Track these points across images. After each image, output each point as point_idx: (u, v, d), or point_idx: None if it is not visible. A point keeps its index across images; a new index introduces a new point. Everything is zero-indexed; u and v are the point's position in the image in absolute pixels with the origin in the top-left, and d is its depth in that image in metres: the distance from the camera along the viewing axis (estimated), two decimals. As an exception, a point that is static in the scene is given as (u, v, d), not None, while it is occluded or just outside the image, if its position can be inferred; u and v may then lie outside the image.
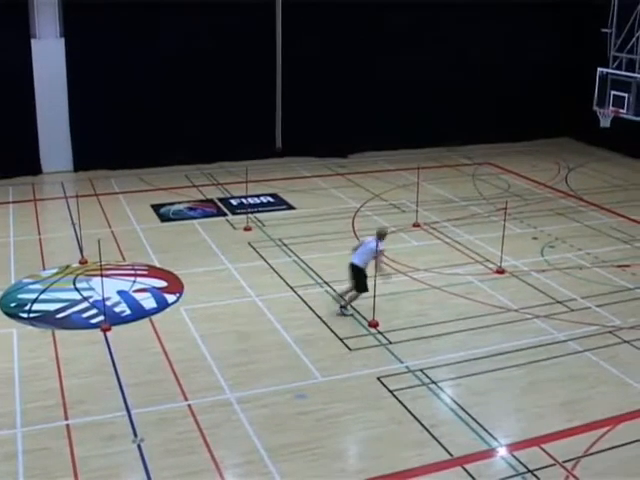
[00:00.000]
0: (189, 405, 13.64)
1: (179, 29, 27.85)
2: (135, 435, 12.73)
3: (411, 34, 30.84)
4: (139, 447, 12.43)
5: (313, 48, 29.37)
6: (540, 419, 13.54)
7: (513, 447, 12.75)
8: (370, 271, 16.97)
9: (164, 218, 23.47)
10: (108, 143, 27.59)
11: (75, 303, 17.50)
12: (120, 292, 18.06)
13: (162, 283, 18.71)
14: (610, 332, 16.74)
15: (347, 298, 17.31)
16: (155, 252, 20.63)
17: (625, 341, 16.36)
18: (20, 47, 26.58)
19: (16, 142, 26.79)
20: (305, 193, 26.14)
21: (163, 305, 17.56)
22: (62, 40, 27.04)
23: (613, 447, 12.75)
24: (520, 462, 12.30)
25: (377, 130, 31.16)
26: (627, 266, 20.43)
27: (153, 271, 19.45)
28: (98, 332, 16.18)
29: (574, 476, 11.97)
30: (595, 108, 28.15)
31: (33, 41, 26.79)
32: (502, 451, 12.68)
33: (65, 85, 27.33)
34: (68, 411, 13.38)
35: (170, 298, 17.91)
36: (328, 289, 18.51)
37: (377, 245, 16.67)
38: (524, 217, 24.03)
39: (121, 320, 16.75)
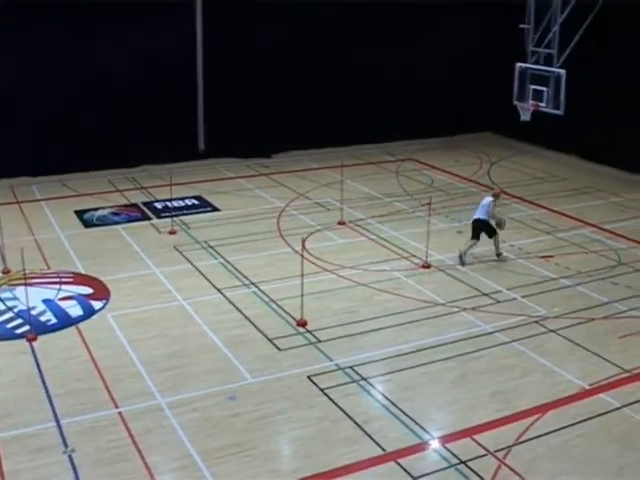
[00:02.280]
0: (119, 412, 13.49)
1: (97, 31, 27.46)
2: (65, 445, 12.55)
3: (333, 32, 30.90)
4: (70, 457, 12.25)
5: (234, 48, 29.24)
6: (471, 410, 13.70)
7: (445, 439, 12.87)
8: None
9: (88, 224, 23.17)
10: (28, 149, 27.08)
11: (-1, 314, 17.22)
12: (45, 301, 17.78)
13: (88, 290, 18.47)
14: (536, 322, 17.00)
15: (465, 250, 20.38)
16: (80, 259, 20.36)
17: (551, 330, 16.64)
18: None
19: None
20: (230, 194, 26.04)
21: (90, 312, 17.34)
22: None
23: (543, 435, 12.98)
24: (453, 454, 12.43)
25: (300, 129, 31.14)
26: (550, 256, 20.77)
27: (78, 278, 19.19)
28: (24, 342, 15.89)
29: (506, 465, 12.13)
30: (515, 102, 28.57)
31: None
32: (434, 444, 12.79)
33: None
34: (-5, 424, 13.17)
35: (97, 305, 17.69)
36: (255, 290, 18.46)
37: (493, 202, 20.33)
38: (448, 212, 24.27)
39: (47, 329, 16.49)
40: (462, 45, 33.39)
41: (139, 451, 12.42)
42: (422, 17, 32.19)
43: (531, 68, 28.09)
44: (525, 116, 28.49)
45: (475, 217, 20.51)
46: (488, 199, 20.55)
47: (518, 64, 28.37)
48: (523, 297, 18.24)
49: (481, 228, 20.42)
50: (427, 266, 19.92)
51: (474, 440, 12.79)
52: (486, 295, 18.36)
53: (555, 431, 13.09)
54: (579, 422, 13.37)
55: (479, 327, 16.75)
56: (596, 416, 13.57)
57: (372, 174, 28.82)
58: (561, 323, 16.97)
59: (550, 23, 27.90)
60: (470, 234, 20.59)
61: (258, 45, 29.59)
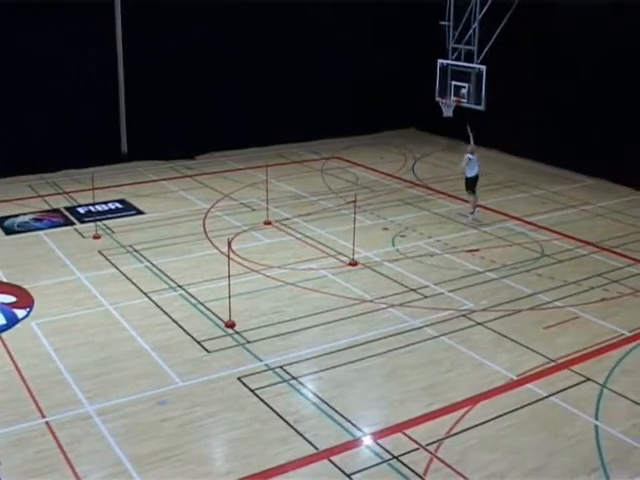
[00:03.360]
0: (47, 422, 13.24)
1: (18, 31, 26.95)
2: (-9, 458, 12.31)
3: (260, 32, 30.85)
4: (-4, 470, 12.02)
5: (155, 49, 28.97)
6: (402, 405, 13.76)
7: (377, 435, 12.90)
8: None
9: (9, 231, 22.72)
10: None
11: None
12: (-34, 310, 17.43)
13: (10, 298, 18.11)
14: (464, 315, 17.16)
15: (472, 205, 23.67)
16: (1, 267, 19.94)
17: (478, 323, 16.80)
18: None
19: None
20: (154, 197, 25.79)
21: (13, 321, 16.99)
22: None
23: (473, 426, 13.09)
24: (385, 449, 12.46)
25: (224, 130, 31.06)
26: (476, 250, 20.98)
27: (0, 286, 18.82)
28: (-55, 354, 15.57)
29: (437, 458, 12.21)
30: (437, 99, 28.81)
31: None
32: (367, 440, 12.81)
33: None
34: None
35: (20, 313, 17.35)
36: (182, 292, 18.31)
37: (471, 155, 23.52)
38: (374, 209, 24.36)
39: (-31, 339, 16.16)
40: (385, 43, 33.58)
41: (68, 461, 12.19)
42: (344, 15, 32.32)
43: (452, 64, 28.35)
44: (447, 112, 28.76)
45: (468, 175, 23.49)
46: (472, 156, 23.44)
47: (439, 61, 28.61)
48: (450, 291, 18.39)
49: (474, 182, 23.48)
50: (354, 263, 19.95)
51: (406, 435, 12.85)
52: (413, 290, 18.46)
53: (485, 422, 13.22)
54: (508, 412, 13.53)
55: (407, 322, 16.83)
56: (524, 406, 13.75)
57: (297, 173, 28.80)
58: (488, 316, 17.15)
59: (470, 20, 28.20)
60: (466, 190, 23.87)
61: (179, 46, 29.38)
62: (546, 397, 14.04)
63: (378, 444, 12.65)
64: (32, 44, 27.19)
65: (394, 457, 12.26)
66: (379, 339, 16.10)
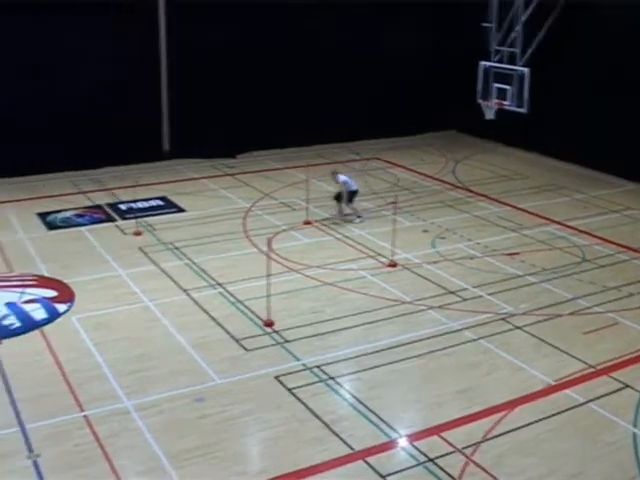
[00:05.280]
0: (85, 416, 13.36)
1: (64, 31, 27.20)
2: (30, 451, 12.40)
3: (300, 33, 30.90)
4: (35, 463, 12.11)
5: (199, 48, 29.12)
6: (439, 408, 13.71)
7: (413, 437, 12.86)
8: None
9: (51, 226, 22.97)
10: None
11: (-39, 318, 17.02)
12: (8, 304, 17.58)
13: (52, 293, 18.30)
14: (503, 319, 17.06)
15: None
16: (44, 261, 20.16)
17: (517, 327, 16.71)
18: None
19: None
20: (194, 195, 25.92)
21: (54, 315, 17.17)
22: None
23: (510, 430, 13.01)
24: (421, 452, 12.42)
25: (265, 129, 31.10)
26: (516, 254, 20.85)
27: (42, 281, 19.01)
28: (-13, 347, 15.76)
29: (473, 461, 12.15)
30: (479, 101, 28.71)
31: None
32: (402, 442, 12.78)
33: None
34: (-42, 429, 13.00)
35: (61, 308, 17.52)
36: (222, 290, 18.38)
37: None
38: (414, 210, 24.31)
39: (10, 333, 16.30)
40: (428, 43, 33.47)
41: (105, 455, 12.29)
42: (387, 15, 32.27)
43: (495, 67, 28.23)
44: (489, 114, 28.65)
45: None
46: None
47: (482, 63, 28.49)
48: (489, 294, 18.30)
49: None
50: (393, 265, 19.92)
51: (442, 437, 12.80)
52: (452, 293, 18.39)
53: (522, 427, 13.13)
54: (546, 418, 13.42)
55: (446, 325, 16.78)
56: (562, 411, 13.64)
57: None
58: (527, 320, 17.05)
59: (513, 22, 28.07)
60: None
61: (222, 46, 29.50)
62: (584, 403, 13.92)
63: (414, 446, 12.62)
64: (80, 42, 27.47)
65: (430, 459, 12.22)
66: (417, 341, 16.06)
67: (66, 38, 27.26)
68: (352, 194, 23.43)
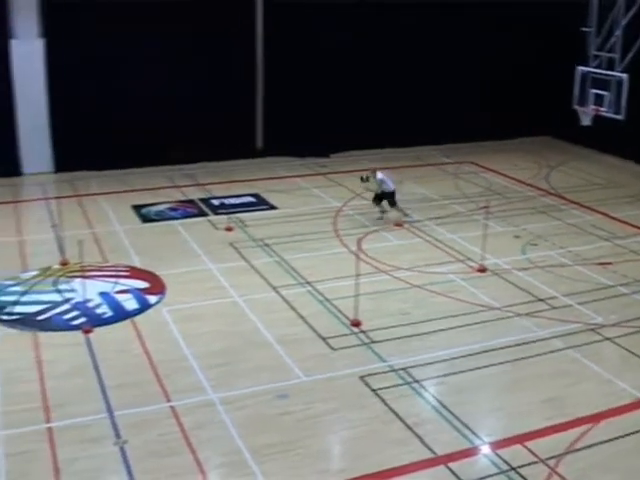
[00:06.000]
0: (171, 406, 13.59)
1: (161, 28, 27.71)
2: (118, 437, 12.68)
3: (395, 33, 30.87)
4: (122, 449, 12.37)
5: (294, 46, 29.31)
6: (523, 417, 13.57)
7: (496, 445, 12.76)
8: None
9: (145, 219, 23.39)
10: (89, 144, 27.39)
11: (56, 305, 17.40)
12: (102, 293, 17.97)
13: (144, 284, 18.64)
14: (592, 329, 16.79)
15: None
16: (137, 253, 20.55)
17: (607, 338, 16.42)
18: (-1, 48, 26.50)
19: (-5, 144, 26.68)
20: (286, 193, 26.10)
21: (145, 306, 17.49)
22: (42, 40, 26.90)
23: (596, 444, 12.79)
24: (503, 460, 12.31)
25: (359, 129, 31.08)
26: (609, 263, 20.49)
27: (135, 272, 19.37)
28: (80, 334, 16.10)
29: (557, 473, 11.99)
30: (576, 106, 28.25)
31: (13, 42, 26.63)
32: (485, 449, 12.69)
33: (45, 86, 27.18)
34: (50, 414, 13.31)
35: (152, 299, 17.84)
36: (310, 289, 18.48)
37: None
38: (506, 215, 24.07)
39: (103, 322, 16.68)
40: (523, 48, 33.04)
41: (189, 445, 12.48)
42: (483, 16, 31.96)
43: (593, 72, 27.77)
44: (586, 120, 28.17)
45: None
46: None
47: (580, 68, 28.05)
48: (579, 304, 18.02)
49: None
50: (483, 270, 19.78)
51: (525, 447, 12.66)
52: (542, 301, 18.17)
53: (608, 441, 12.88)
54: (633, 433, 13.14)
55: (534, 333, 16.58)
56: (651, 427, 13.39)
57: (430, 176, 28.71)
58: (617, 331, 16.73)
59: (613, 26, 27.55)
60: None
61: (319, 45, 29.62)
62: (674, 419, 13.65)
63: (497, 454, 12.51)
64: (181, 40, 27.92)
65: (512, 468, 12.10)
66: (504, 347, 15.92)
67: (164, 35, 27.73)
68: (391, 195, 23.30)
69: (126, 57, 27.43)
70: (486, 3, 31.67)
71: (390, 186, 23.17)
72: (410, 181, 26.94)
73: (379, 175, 23.20)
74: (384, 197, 23.29)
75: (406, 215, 23.38)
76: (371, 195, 23.74)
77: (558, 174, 29.50)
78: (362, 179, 23.55)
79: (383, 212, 23.49)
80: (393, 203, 23.29)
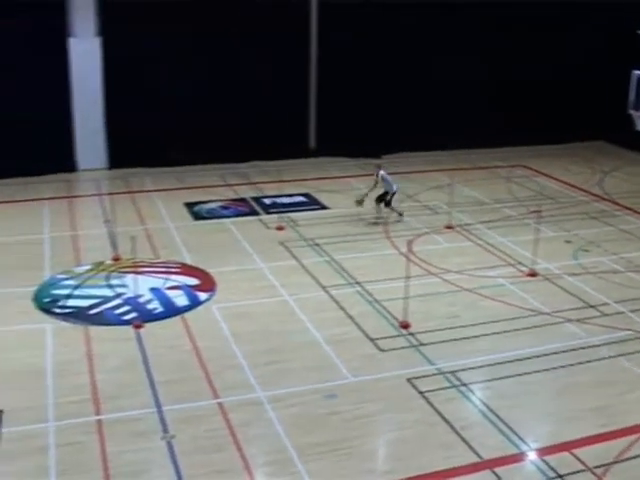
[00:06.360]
0: (219, 403, 13.69)
1: (215, 28, 27.94)
2: (165, 432, 12.81)
3: (448, 35, 30.78)
4: (169, 444, 12.49)
5: (348, 46, 29.36)
6: (570, 424, 13.46)
7: (543, 451, 12.68)
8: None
9: (197, 216, 23.57)
10: (143, 141, 27.64)
11: (108, 300, 17.62)
12: (153, 289, 18.16)
13: (194, 281, 18.79)
14: (644, 337, 16.63)
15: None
16: (188, 250, 20.73)
17: (658, 347, 16.25)
18: (58, 46, 26.85)
19: (52, 140, 26.99)
20: (338, 193, 26.13)
21: (195, 303, 17.64)
22: (98, 39, 27.24)
23: (644, 454, 12.68)
24: (550, 467, 12.23)
25: (411, 131, 31.02)
26: (662, 271, 20.27)
27: (186, 269, 19.53)
28: (130, 329, 16.29)
29: (604, 482, 11.91)
30: (631, 111, 27.95)
31: (71, 40, 27.03)
32: (532, 455, 12.62)
33: (101, 83, 27.52)
34: (100, 406, 13.49)
35: (202, 296, 17.98)
36: (360, 289, 18.50)
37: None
38: (557, 220, 23.88)
39: (153, 317, 16.85)
40: (578, 49, 32.74)
41: (236, 442, 12.57)
42: (536, 20, 31.70)
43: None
44: (640, 125, 27.88)
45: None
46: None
47: (635, 72, 27.74)
48: (631, 311, 17.82)
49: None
50: (533, 274, 19.65)
51: (573, 454, 12.56)
52: (593, 307, 18.00)
53: (658, 451, 12.78)
54: (684, 442, 13.03)
55: (584, 339, 16.43)
56: (702, 437, 13.22)
57: (481, 179, 28.58)
58: (670, 340, 16.56)
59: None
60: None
61: (372, 45, 29.63)
62: None
63: (543, 460, 12.43)
64: (218, 40, 28.11)
65: (559, 476, 12.01)
66: (553, 353, 15.80)
67: (217, 34, 27.94)
68: (390, 195, 23.23)
69: (177, 55, 27.69)
70: (543, 4, 31.42)
71: (392, 187, 23.20)
72: (461, 184, 26.87)
73: (381, 173, 23.24)
74: (384, 196, 23.31)
75: (400, 215, 23.49)
76: (369, 196, 23.65)
77: (612, 179, 29.20)
78: (357, 202, 23.55)
79: (379, 215, 23.51)
80: (388, 203, 23.28)
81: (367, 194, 23.35)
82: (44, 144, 26.66)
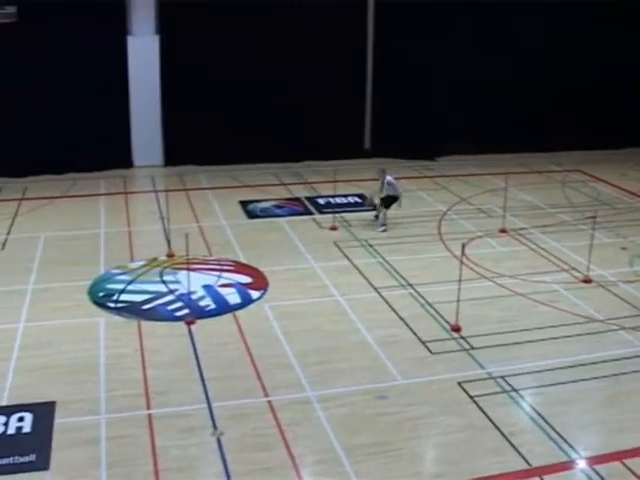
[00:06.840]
0: (269, 401, 13.74)
1: (265, 27, 28.05)
2: (215, 428, 12.88)
3: (506, 36, 30.57)
4: (218, 440, 12.57)
5: (405, 48, 29.34)
6: (622, 433, 13.29)
7: (594, 460, 12.53)
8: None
9: (251, 215, 23.69)
10: (198, 139, 27.92)
11: (161, 295, 17.78)
12: (205, 286, 18.28)
13: (247, 279, 18.88)
14: (699, 347, 16.37)
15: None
16: (241, 248, 20.84)
17: None
18: (117, 44, 27.20)
19: (110, 136, 27.37)
20: (392, 195, 26.06)
21: (247, 301, 17.72)
22: (157, 37, 27.51)
23: (697, 466, 12.48)
24: (600, 476, 12.09)
25: (466, 134, 30.93)
26: None
27: (239, 267, 19.64)
28: (182, 325, 16.43)
29: (655, 492, 11.76)
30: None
31: (129, 38, 27.34)
32: (582, 463, 12.48)
33: (158, 81, 27.79)
34: (150, 401, 13.62)
35: (254, 294, 18.06)
36: (412, 291, 18.46)
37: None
38: (613, 226, 23.60)
39: (205, 314, 16.96)
40: (629, 54, 32.29)
41: (285, 441, 12.61)
42: (589, 20, 31.32)
43: None
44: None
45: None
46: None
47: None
48: (687, 320, 17.60)
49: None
50: (588, 281, 19.44)
51: (623, 464, 12.42)
52: (647, 315, 17.81)
53: None
54: None
55: (637, 347, 16.22)
56: None
57: (537, 183, 28.34)
58: None
59: None
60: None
61: (428, 47, 29.54)
62: None
63: (593, 469, 12.29)
64: (288, 42, 28.20)
65: (609, 484, 11.92)
66: (606, 361, 15.61)
67: (270, 35, 28.06)
68: (393, 200, 22.73)
69: (234, 55, 27.84)
70: (595, 3, 31.00)
71: (397, 191, 22.74)
72: (516, 188, 26.67)
73: (388, 178, 22.70)
74: (386, 200, 22.77)
75: (383, 225, 22.81)
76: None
77: (670, 186, 28.83)
78: (367, 203, 23.87)
79: (377, 217, 23.19)
80: (388, 206, 22.79)
81: (378, 203, 23.16)
82: (101, 140, 27.04)
